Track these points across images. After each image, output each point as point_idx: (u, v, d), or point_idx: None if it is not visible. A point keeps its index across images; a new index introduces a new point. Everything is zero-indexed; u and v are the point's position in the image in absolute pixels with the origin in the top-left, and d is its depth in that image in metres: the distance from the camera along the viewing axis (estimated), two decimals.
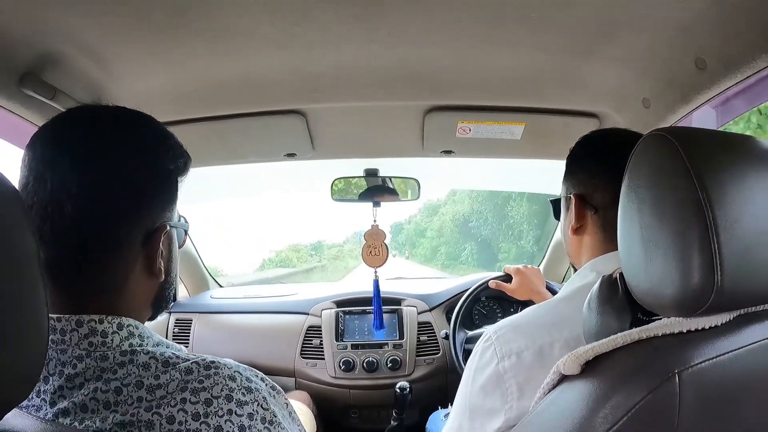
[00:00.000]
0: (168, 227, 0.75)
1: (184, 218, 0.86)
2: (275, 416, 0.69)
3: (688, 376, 0.56)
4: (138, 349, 0.68)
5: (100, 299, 0.70)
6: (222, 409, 0.64)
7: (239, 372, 0.69)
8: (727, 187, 0.59)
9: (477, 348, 1.00)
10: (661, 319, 0.65)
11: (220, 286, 2.72)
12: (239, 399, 0.66)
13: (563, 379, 0.69)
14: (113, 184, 0.69)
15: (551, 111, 1.59)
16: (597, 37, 1.18)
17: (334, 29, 1.16)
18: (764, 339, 0.62)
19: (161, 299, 0.80)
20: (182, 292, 2.53)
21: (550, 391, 0.70)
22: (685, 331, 0.62)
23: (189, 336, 2.26)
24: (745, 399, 0.59)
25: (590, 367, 0.65)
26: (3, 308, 0.47)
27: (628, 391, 0.57)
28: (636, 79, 1.33)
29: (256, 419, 0.66)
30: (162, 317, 2.30)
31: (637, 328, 0.64)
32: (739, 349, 0.60)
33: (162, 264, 0.75)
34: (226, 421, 0.63)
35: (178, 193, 0.80)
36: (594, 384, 0.62)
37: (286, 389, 2.12)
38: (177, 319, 2.31)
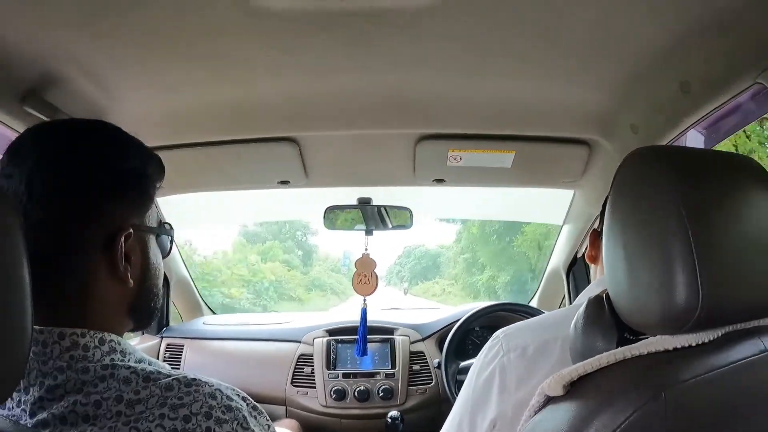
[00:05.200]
0: (132, 231, 0.73)
1: (168, 225, 0.85)
2: None
3: (674, 394, 0.56)
4: (119, 364, 0.67)
5: (67, 306, 0.69)
6: (200, 426, 0.63)
7: (220, 390, 0.68)
8: (709, 203, 0.59)
9: (484, 348, 1.03)
10: (647, 337, 0.65)
11: (214, 312, 2.71)
12: (218, 417, 0.65)
13: (549, 400, 0.68)
14: (61, 188, 0.69)
15: (541, 139, 1.59)
16: (582, 64, 1.20)
17: (325, 57, 1.17)
18: (753, 356, 0.61)
19: (140, 309, 0.78)
20: (175, 319, 2.52)
21: (536, 413, 0.69)
22: (671, 348, 0.61)
23: (180, 361, 2.24)
24: (733, 417, 0.58)
25: (575, 389, 0.65)
26: None
27: (613, 412, 0.57)
28: (623, 104, 1.35)
29: None
30: (154, 341, 2.28)
31: (622, 348, 0.64)
32: (727, 366, 0.59)
33: (130, 269, 0.73)
34: None
35: (151, 199, 0.80)
36: (579, 405, 0.62)
37: (277, 417, 2.08)
38: (168, 344, 2.29)
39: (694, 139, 1.37)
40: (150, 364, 0.72)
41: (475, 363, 1.04)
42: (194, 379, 0.67)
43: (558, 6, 0.99)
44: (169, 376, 0.67)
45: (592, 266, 1.24)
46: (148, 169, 0.79)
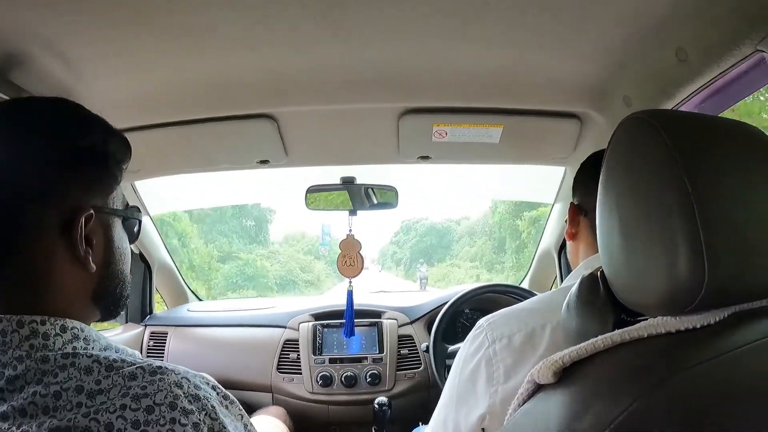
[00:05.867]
0: (93, 212, 0.70)
1: (136, 208, 0.82)
2: (225, 427, 0.65)
3: (678, 381, 0.50)
4: (81, 352, 0.65)
5: (25, 292, 0.67)
6: (164, 417, 0.60)
7: (187, 378, 0.66)
8: (714, 171, 0.54)
9: (468, 338, 0.98)
10: (647, 319, 0.60)
11: (200, 299, 2.68)
12: (184, 407, 0.62)
13: (539, 389, 0.62)
14: (13, 165, 0.67)
15: (530, 112, 1.55)
16: (573, 31, 1.14)
17: (298, 28, 1.12)
18: (762, 338, 0.55)
19: (104, 295, 0.75)
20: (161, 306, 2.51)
21: (525, 402, 0.64)
22: (673, 331, 0.56)
23: (164, 349, 2.20)
24: (740, 404, 0.53)
25: (567, 375, 0.59)
26: None
27: (610, 401, 0.51)
28: (616, 75, 1.30)
29: (201, 430, 0.63)
30: (137, 330, 2.24)
31: (620, 330, 0.58)
32: (735, 350, 0.54)
33: (91, 253, 0.70)
34: (168, 430, 0.60)
35: (116, 180, 0.77)
36: (572, 394, 0.56)
37: (263, 405, 2.06)
38: (152, 332, 2.26)
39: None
40: (117, 351, 0.70)
41: (459, 354, 0.99)
42: (159, 367, 0.65)
43: None
44: (134, 364, 0.65)
45: (570, 243, 1.15)
46: (110, 147, 0.75)
